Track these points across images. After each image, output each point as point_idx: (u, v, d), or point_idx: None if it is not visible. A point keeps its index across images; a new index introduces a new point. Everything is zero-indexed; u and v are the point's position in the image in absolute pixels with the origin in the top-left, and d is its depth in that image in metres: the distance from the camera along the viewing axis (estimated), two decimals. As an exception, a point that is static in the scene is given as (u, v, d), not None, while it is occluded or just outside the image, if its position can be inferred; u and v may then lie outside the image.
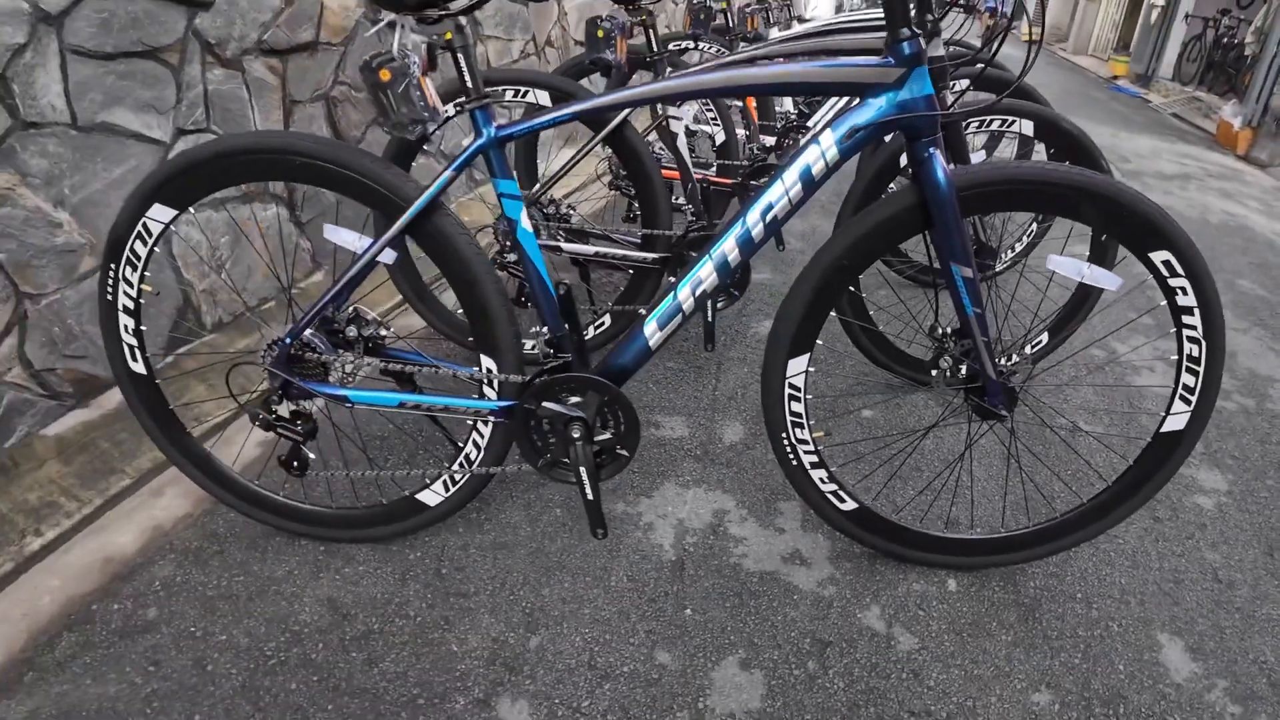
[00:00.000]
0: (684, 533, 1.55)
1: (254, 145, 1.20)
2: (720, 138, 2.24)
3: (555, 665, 1.27)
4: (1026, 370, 1.39)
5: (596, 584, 1.42)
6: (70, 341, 1.61)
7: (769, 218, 1.19)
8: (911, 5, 1.10)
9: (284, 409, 1.33)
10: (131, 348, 1.35)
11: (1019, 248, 2.45)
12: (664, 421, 1.89)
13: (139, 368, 1.36)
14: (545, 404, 1.27)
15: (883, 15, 1.45)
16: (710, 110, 2.23)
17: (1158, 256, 1.19)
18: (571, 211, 1.89)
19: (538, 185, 1.81)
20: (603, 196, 3.09)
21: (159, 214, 1.24)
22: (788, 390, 1.34)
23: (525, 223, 1.22)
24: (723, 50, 2.37)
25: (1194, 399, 1.28)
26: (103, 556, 1.46)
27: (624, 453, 1.30)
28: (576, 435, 1.26)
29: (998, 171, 1.19)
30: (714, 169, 2.29)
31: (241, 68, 1.85)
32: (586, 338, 1.97)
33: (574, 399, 1.28)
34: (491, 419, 1.32)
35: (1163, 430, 1.32)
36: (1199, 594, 1.51)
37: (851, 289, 1.85)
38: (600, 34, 1.71)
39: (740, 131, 2.36)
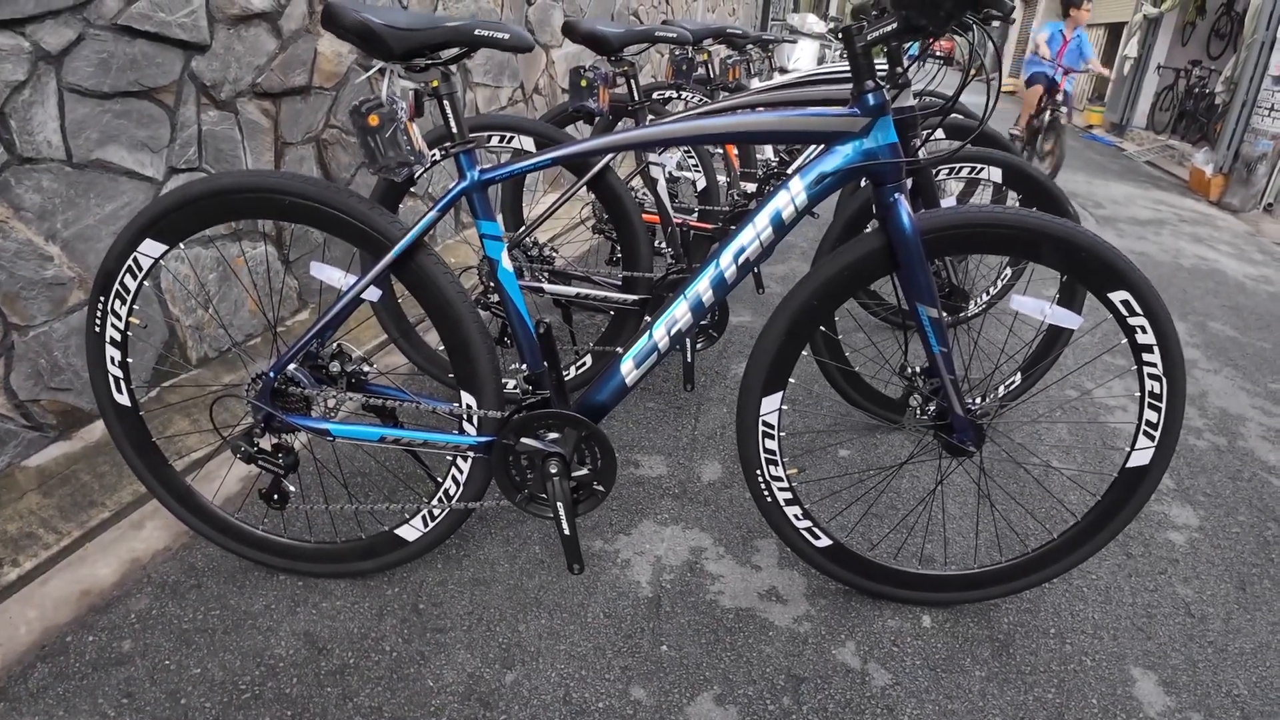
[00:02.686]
0: (661, 570, 1.56)
1: (247, 184, 1.24)
2: (702, 183, 2.31)
3: (531, 701, 1.27)
4: (994, 407, 1.43)
5: (573, 620, 1.42)
6: (56, 374, 1.63)
7: (741, 260, 1.23)
8: (883, 59, 1.17)
9: (266, 442, 1.34)
10: (117, 379, 1.36)
11: (993, 291, 2.52)
12: (643, 460, 1.91)
13: (123, 399, 1.38)
14: (523, 440, 1.30)
15: (846, 72, 1.52)
16: (692, 157, 2.30)
17: (1116, 296, 1.24)
18: (554, 254, 1.94)
19: (522, 228, 1.85)
20: (588, 240, 3.15)
21: (150, 249, 1.27)
22: (761, 428, 1.37)
23: (506, 263, 1.26)
24: (705, 99, 2.45)
25: (1157, 434, 1.32)
26: (80, 589, 1.45)
27: (601, 488, 1.32)
28: (554, 471, 1.29)
29: (959, 216, 1.25)
30: (696, 214, 2.35)
31: (235, 109, 1.90)
32: (568, 377, 2.00)
33: (552, 435, 1.30)
34: (471, 454, 1.34)
35: (1129, 465, 1.35)
36: (1172, 628, 1.53)
37: (826, 330, 1.90)
38: (584, 83, 1.78)
39: (721, 178, 2.43)
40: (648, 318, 1.23)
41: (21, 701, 1.22)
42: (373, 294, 1.28)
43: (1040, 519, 1.77)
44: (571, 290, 1.83)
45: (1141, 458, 1.34)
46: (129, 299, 1.31)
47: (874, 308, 2.41)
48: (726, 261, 1.23)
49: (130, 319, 1.33)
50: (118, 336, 1.33)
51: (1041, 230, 1.22)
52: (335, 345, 1.38)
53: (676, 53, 2.39)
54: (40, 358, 1.59)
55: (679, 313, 1.25)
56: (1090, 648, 1.46)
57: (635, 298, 1.85)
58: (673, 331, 1.26)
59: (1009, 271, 2.50)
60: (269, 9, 1.91)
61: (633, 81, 1.91)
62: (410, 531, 1.43)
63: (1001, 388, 2.06)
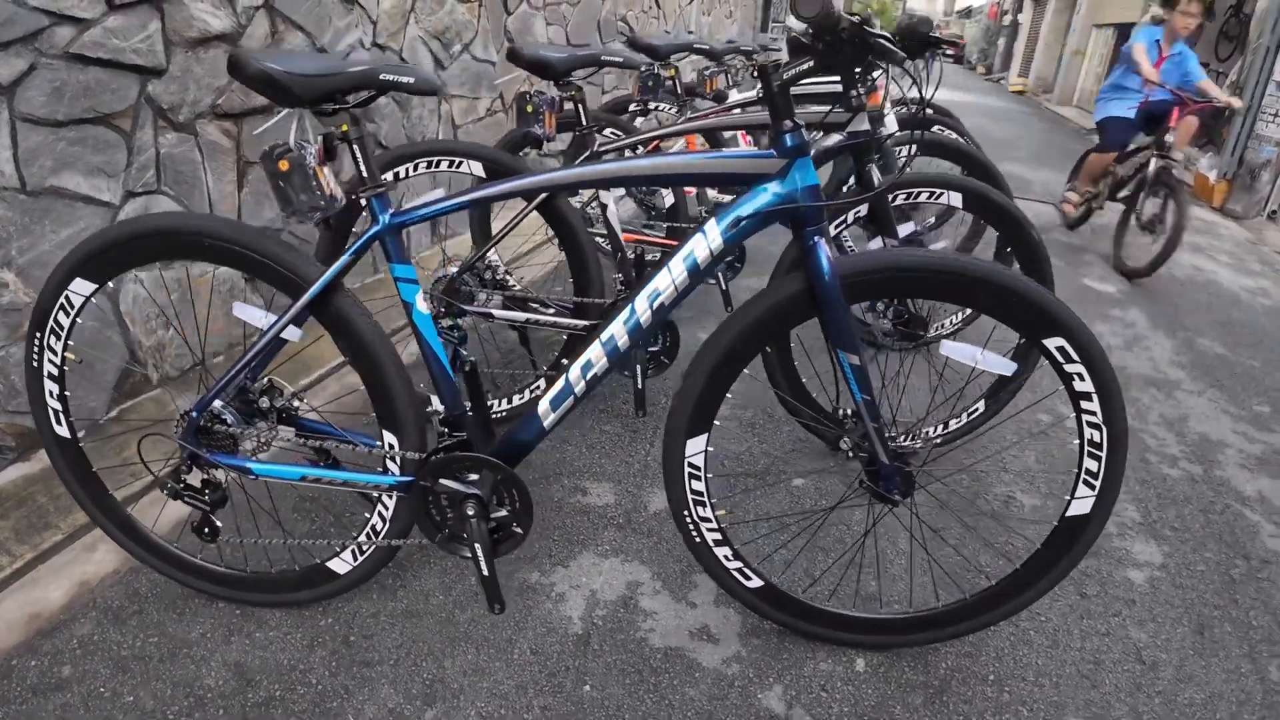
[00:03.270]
0: (595, 605, 1.56)
1: (168, 227, 1.25)
2: (669, 200, 2.28)
3: (446, 741, 1.28)
4: (927, 452, 1.40)
5: (500, 656, 1.43)
6: (13, 397, 1.67)
7: (655, 304, 1.22)
8: (851, 78, 1.12)
9: (194, 478, 1.36)
10: (56, 412, 1.39)
11: (958, 319, 2.47)
12: (592, 488, 1.91)
13: (63, 431, 1.41)
14: (442, 480, 1.30)
15: (837, 81, 1.48)
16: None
17: (1051, 343, 1.21)
18: (508, 277, 1.93)
19: (470, 252, 1.85)
20: (556, 257, 3.12)
21: (80, 288, 1.29)
22: (687, 469, 1.36)
23: (421, 306, 1.26)
24: (673, 110, 2.43)
25: (1097, 483, 1.28)
26: (30, 611, 1.49)
27: (519, 530, 1.32)
28: (471, 512, 1.29)
29: (881, 259, 1.22)
30: (665, 231, 2.33)
31: (195, 131, 1.92)
32: (523, 400, 2.00)
33: (471, 475, 1.30)
34: (394, 493, 1.34)
35: (1068, 514, 1.32)
36: (1119, 676, 1.50)
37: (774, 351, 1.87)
38: (529, 109, 1.76)
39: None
40: (564, 360, 1.22)
41: (-44, 728, 1.26)
42: (293, 334, 1.28)
43: (980, 565, 1.73)
44: (521, 316, 1.83)
45: (1082, 506, 1.31)
46: (63, 335, 1.33)
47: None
48: (641, 306, 1.22)
49: (66, 354, 1.35)
50: (55, 371, 1.36)
51: (968, 275, 1.19)
52: (267, 380, 1.39)
53: (643, 70, 2.36)
54: (-4, 382, 1.63)
55: (594, 356, 1.24)
56: (1029, 696, 1.44)
57: (585, 323, 1.84)
58: (588, 376, 1.25)
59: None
60: (229, 30, 1.92)
61: (580, 106, 1.89)
62: (340, 565, 1.44)
63: (943, 425, 2.01)
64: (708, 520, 1.40)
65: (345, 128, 1.17)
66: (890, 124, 1.72)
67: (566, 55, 1.78)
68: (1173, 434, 2.38)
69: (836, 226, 1.83)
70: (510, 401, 2.01)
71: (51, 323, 1.32)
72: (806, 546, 1.73)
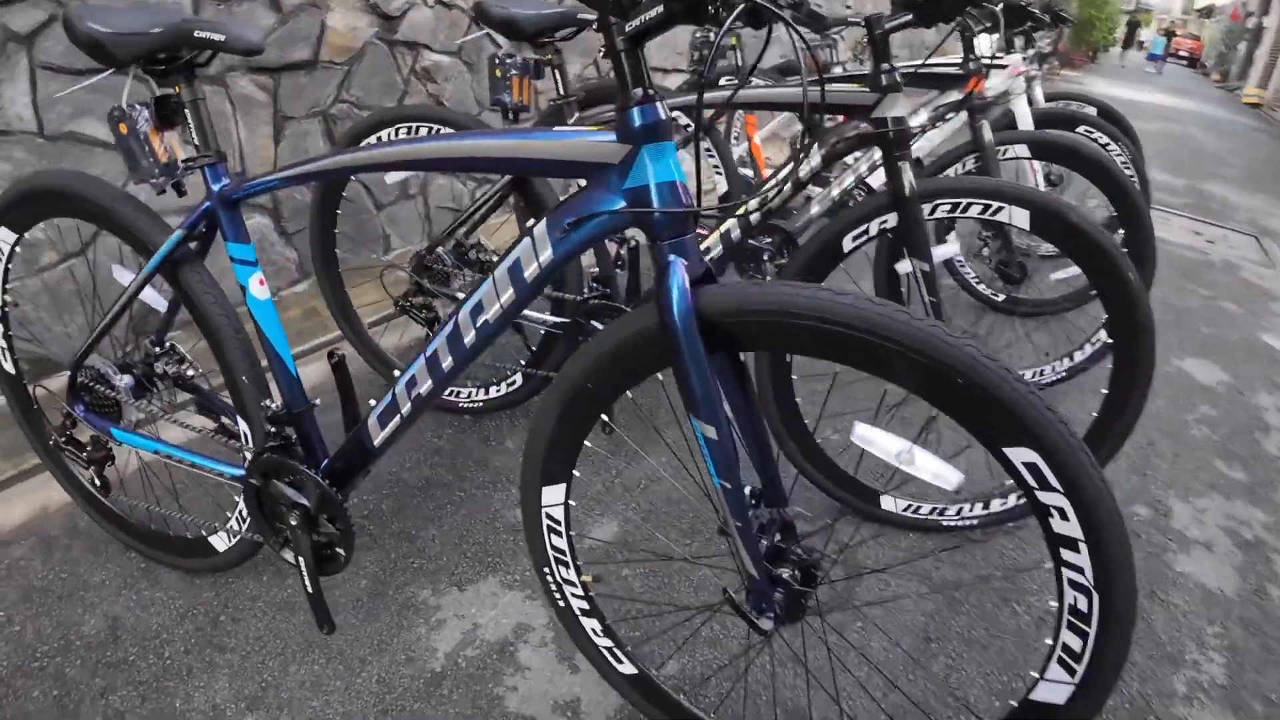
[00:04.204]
0: (469, 643, 1.38)
1: (54, 186, 1.24)
2: (723, 186, 1.97)
3: (243, 758, 1.19)
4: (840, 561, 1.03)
5: (344, 676, 1.31)
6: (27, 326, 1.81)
7: (479, 321, 0.99)
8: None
9: (83, 434, 1.37)
10: (2, 349, 1.46)
11: (1081, 355, 1.91)
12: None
13: (9, 367, 1.48)
14: (272, 481, 1.18)
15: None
16: (710, 153, 1.96)
17: (1015, 454, 0.82)
18: (494, 259, 1.76)
19: (444, 231, 1.70)
20: None
21: (5, 235, 1.33)
22: (546, 521, 1.13)
23: (256, 291, 1.13)
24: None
25: (1080, 669, 0.88)
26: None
27: (341, 553, 1.18)
28: (294, 522, 1.16)
29: (767, 296, 0.87)
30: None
31: (225, 84, 1.94)
32: (500, 394, 1.84)
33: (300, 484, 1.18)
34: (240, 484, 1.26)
35: (1032, 698, 0.92)
36: None
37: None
38: (498, 73, 1.55)
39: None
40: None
41: None
42: (156, 301, 1.23)
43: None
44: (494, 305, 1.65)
45: (1053, 693, 0.90)
46: (1, 279, 1.39)
47: None
48: (464, 319, 1.00)
49: (5, 297, 1.41)
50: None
51: (888, 334, 0.82)
52: (169, 344, 1.36)
53: (697, 35, 2.02)
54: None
55: (419, 372, 1.05)
56: None
57: (557, 320, 1.64)
58: (413, 394, 1.06)
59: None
60: (261, -19, 1.91)
61: (558, 71, 1.64)
62: (219, 541, 1.40)
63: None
64: (571, 584, 1.17)
65: (179, 90, 1.06)
66: (1020, 109, 1.29)
67: (533, 13, 1.55)
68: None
69: (854, 239, 1.44)
70: (486, 393, 1.86)
71: (-9, 268, 1.38)
72: (690, 642, 1.40)
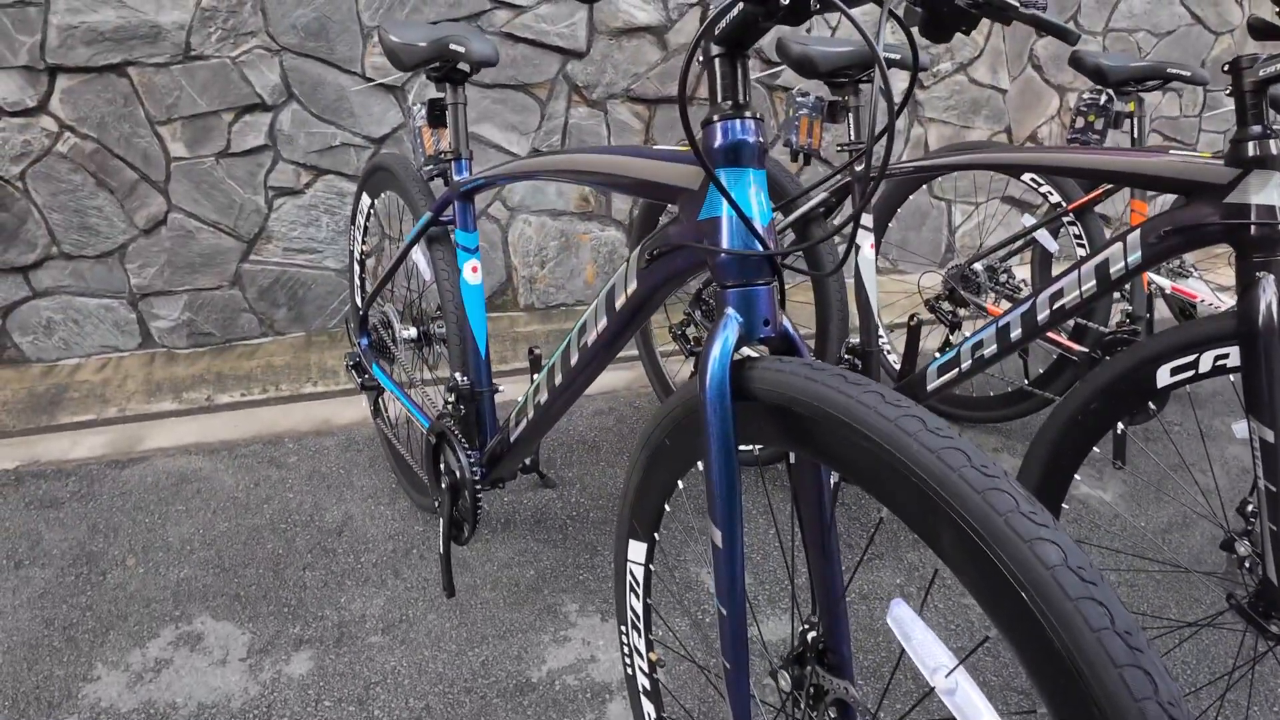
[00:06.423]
0: (576, 670, 1.29)
1: (384, 164, 1.53)
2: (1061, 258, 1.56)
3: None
4: None
5: (460, 644, 1.35)
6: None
7: (582, 341, 0.95)
8: None
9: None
10: (357, 287, 1.87)
11: None
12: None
13: (359, 301, 1.88)
14: (445, 445, 1.30)
15: None
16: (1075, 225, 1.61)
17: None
18: (1022, 287, 1.80)
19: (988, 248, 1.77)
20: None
21: (365, 200, 1.70)
22: (629, 579, 1.04)
23: (469, 275, 1.25)
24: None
25: None
26: (320, 416, 2.08)
27: (466, 530, 1.25)
28: (443, 485, 1.27)
29: (830, 390, 0.65)
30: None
31: (605, 109, 2.19)
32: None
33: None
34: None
35: None
36: None
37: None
38: (789, 112, 1.41)
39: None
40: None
41: None
42: (425, 268, 1.45)
43: None
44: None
45: None
46: (361, 233, 1.78)
47: None
48: (573, 338, 0.97)
49: (364, 246, 1.80)
50: (359, 255, 1.83)
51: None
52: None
53: (1086, 98, 1.57)
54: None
55: (542, 384, 1.06)
56: None
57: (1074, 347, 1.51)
58: (539, 399, 1.07)
59: None
60: (655, 23, 2.10)
61: (853, 116, 1.41)
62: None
63: None
64: (639, 655, 1.05)
65: (444, 94, 1.25)
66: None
67: (830, 51, 1.37)
68: None
69: (1173, 372, 0.99)
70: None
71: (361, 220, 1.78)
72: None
